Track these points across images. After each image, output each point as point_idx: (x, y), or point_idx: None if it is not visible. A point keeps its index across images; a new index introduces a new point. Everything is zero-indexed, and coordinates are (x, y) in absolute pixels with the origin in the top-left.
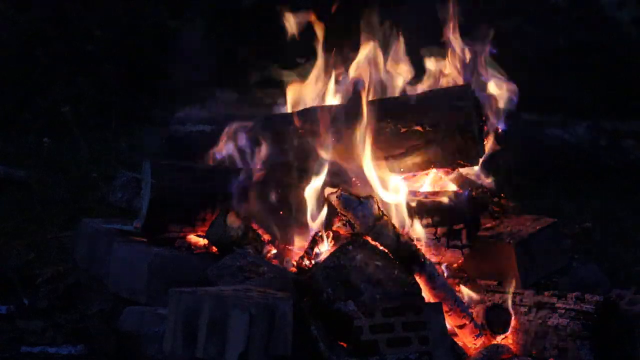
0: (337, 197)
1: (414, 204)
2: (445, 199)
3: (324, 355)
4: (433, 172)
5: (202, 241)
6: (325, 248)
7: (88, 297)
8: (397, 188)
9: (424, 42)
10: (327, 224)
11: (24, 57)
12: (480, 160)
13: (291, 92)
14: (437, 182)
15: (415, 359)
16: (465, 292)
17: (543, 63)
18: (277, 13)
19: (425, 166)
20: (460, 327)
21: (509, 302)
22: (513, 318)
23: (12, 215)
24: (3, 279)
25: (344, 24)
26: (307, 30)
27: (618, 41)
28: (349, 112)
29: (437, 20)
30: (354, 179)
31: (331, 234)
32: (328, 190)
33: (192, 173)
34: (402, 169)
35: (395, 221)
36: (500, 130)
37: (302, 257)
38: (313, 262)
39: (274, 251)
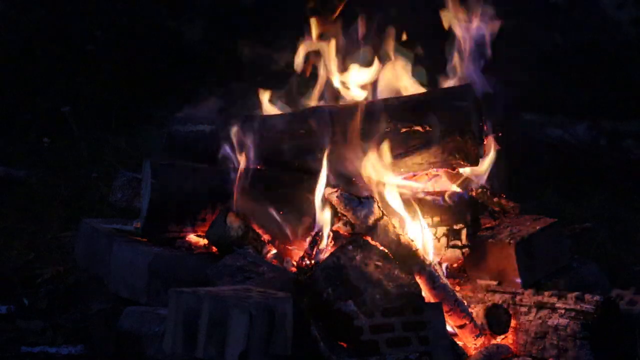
0: (337, 197)
1: (414, 204)
2: (445, 199)
3: (324, 355)
4: (433, 172)
5: (202, 241)
6: (325, 248)
7: (88, 297)
8: (398, 188)
9: (424, 41)
10: (328, 224)
11: (24, 57)
12: (480, 160)
13: (293, 91)
14: (437, 182)
15: (415, 359)
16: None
17: (543, 63)
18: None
19: (425, 166)
20: (460, 327)
21: (509, 302)
22: (513, 318)
23: (12, 215)
24: (3, 279)
25: (346, 22)
26: (306, 29)
27: (618, 41)
28: (350, 112)
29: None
30: (354, 178)
31: (331, 234)
32: (328, 190)
33: (191, 173)
34: (402, 169)
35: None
36: (500, 133)
37: (302, 257)
38: (313, 262)
39: (274, 251)
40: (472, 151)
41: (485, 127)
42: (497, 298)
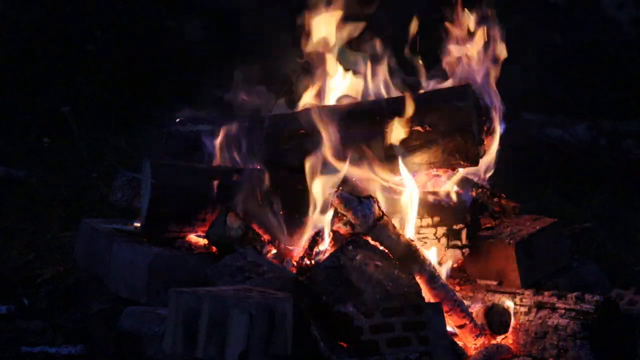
0: (337, 197)
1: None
2: (445, 199)
3: (324, 355)
4: (433, 172)
5: (202, 241)
6: (325, 248)
7: (88, 297)
8: (397, 188)
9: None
10: (328, 224)
11: (24, 57)
12: (480, 160)
13: (292, 91)
14: (437, 182)
15: (415, 359)
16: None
17: (543, 63)
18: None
19: (425, 166)
20: (460, 327)
21: (509, 302)
22: (513, 318)
23: (12, 215)
24: (3, 279)
25: (347, 22)
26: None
27: (618, 41)
28: (349, 112)
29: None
30: (354, 178)
31: (331, 234)
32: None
33: (192, 173)
34: (402, 169)
35: (395, 221)
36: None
37: (302, 257)
38: (313, 262)
39: (274, 251)
40: (472, 151)
41: (485, 127)
42: (497, 298)
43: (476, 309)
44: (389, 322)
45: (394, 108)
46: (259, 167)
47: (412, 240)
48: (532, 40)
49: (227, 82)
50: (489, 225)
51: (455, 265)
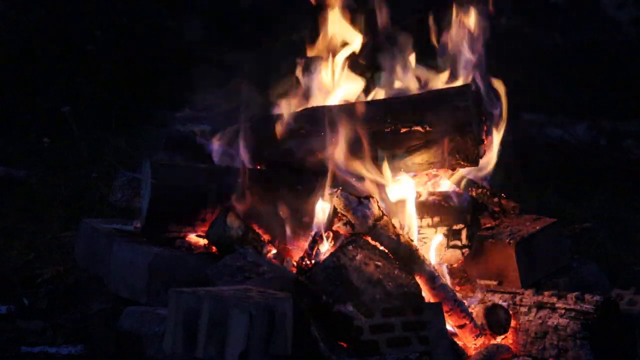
0: (337, 197)
1: (414, 204)
2: (445, 199)
3: (324, 355)
4: (433, 172)
5: (202, 241)
6: (325, 248)
7: (88, 297)
8: (398, 188)
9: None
10: (328, 224)
11: (24, 57)
12: (480, 160)
13: (292, 91)
14: (437, 182)
15: (415, 359)
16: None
17: (543, 63)
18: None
19: (425, 166)
20: (460, 327)
21: (509, 302)
22: (513, 318)
23: (12, 215)
24: (3, 279)
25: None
26: (306, 29)
27: (618, 41)
28: (349, 112)
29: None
30: (354, 179)
31: (331, 234)
32: (328, 190)
33: (191, 173)
34: (402, 169)
35: (395, 221)
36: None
37: (302, 257)
38: (313, 262)
39: (274, 251)
40: (472, 151)
41: (485, 127)
42: (497, 298)
43: (476, 309)
44: (389, 322)
45: (394, 108)
46: (259, 167)
47: (412, 240)
48: (532, 40)
49: (226, 81)
50: (489, 225)
51: (455, 265)
